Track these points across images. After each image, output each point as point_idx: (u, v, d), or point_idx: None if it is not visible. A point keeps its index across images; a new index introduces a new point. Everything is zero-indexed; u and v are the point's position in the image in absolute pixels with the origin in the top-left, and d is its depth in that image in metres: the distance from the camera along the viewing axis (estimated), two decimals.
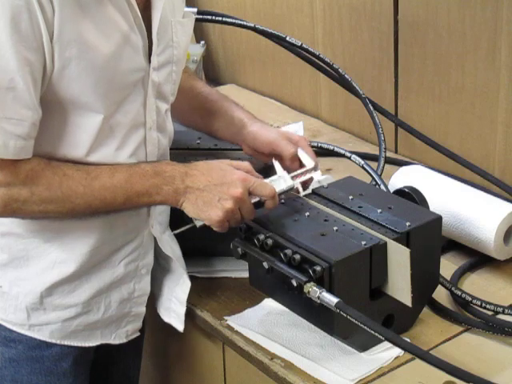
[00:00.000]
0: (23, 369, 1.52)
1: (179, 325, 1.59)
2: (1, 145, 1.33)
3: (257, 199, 1.46)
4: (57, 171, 1.39)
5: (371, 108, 2.07)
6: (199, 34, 2.79)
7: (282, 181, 1.50)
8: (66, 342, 1.52)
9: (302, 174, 1.54)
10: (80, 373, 1.58)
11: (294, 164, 1.57)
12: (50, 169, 1.39)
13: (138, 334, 1.61)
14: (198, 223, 1.45)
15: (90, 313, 1.52)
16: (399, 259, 1.39)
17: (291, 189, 1.51)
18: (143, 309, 1.59)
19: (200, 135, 1.80)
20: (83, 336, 1.53)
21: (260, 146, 1.62)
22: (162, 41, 1.46)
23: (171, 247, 1.59)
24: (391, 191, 1.70)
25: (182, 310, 1.59)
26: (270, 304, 1.57)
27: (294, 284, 1.36)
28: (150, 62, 1.44)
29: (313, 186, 1.56)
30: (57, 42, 1.31)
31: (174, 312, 1.60)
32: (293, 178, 1.52)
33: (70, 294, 1.49)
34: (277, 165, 1.53)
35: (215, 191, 1.41)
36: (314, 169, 1.56)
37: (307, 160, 1.56)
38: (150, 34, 1.44)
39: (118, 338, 1.58)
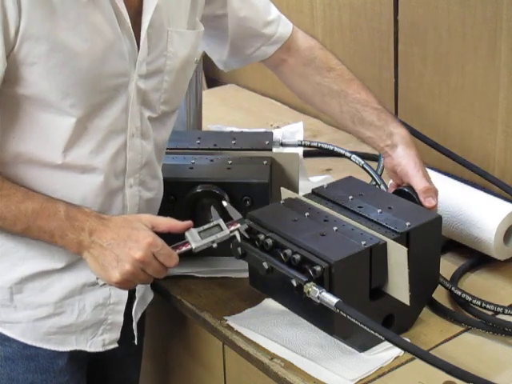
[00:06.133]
0: (19, 367, 1.52)
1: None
2: None
3: (187, 248, 1.40)
4: None
5: None
6: None
7: (217, 228, 1.43)
8: (40, 345, 1.51)
9: (235, 222, 1.45)
10: (76, 370, 1.57)
11: (426, 197, 1.56)
12: None
13: (116, 345, 1.57)
14: (100, 282, 1.38)
15: (63, 314, 1.50)
16: (397, 258, 1.39)
17: (226, 237, 1.44)
18: (120, 318, 1.55)
19: (200, 135, 1.78)
20: (57, 340, 1.51)
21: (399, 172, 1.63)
22: (154, 49, 1.45)
23: None
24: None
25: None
26: (270, 304, 1.57)
27: (294, 284, 1.36)
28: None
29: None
30: (26, 39, 1.31)
31: None
32: (228, 225, 1.44)
33: (41, 292, 1.48)
34: (229, 207, 1.47)
35: (117, 250, 1.35)
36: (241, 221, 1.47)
37: (235, 214, 1.47)
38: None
39: (93, 346, 1.55)
